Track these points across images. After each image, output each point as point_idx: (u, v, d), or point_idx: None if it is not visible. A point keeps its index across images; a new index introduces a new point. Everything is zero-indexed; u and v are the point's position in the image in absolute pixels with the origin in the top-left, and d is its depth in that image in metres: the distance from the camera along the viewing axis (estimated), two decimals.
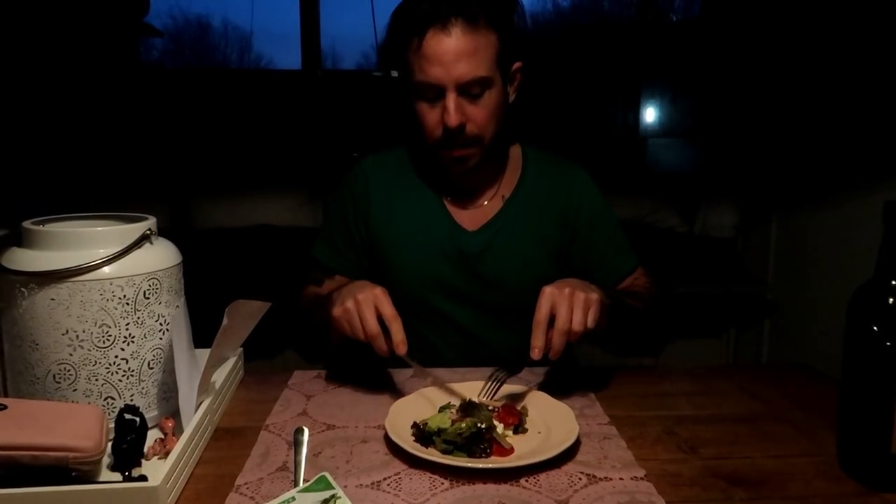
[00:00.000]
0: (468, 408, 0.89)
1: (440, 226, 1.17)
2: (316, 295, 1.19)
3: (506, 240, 1.17)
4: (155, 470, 0.72)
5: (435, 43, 1.02)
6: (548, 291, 0.90)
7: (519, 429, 0.86)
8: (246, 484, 0.75)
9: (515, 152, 1.23)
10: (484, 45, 1.04)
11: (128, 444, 0.77)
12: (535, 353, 0.88)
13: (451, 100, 1.04)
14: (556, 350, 0.88)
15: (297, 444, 0.82)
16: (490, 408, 0.90)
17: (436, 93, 1.05)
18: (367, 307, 0.93)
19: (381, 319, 0.92)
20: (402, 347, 0.92)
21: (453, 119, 1.04)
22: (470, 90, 1.05)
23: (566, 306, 0.88)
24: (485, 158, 1.12)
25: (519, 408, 0.89)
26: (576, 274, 1.14)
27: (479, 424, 0.82)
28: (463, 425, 0.82)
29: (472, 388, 0.95)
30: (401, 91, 1.12)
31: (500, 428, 0.85)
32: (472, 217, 1.18)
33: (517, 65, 1.12)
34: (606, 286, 0.98)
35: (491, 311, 1.18)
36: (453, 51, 1.02)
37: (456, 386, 0.96)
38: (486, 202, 1.19)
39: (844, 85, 1.99)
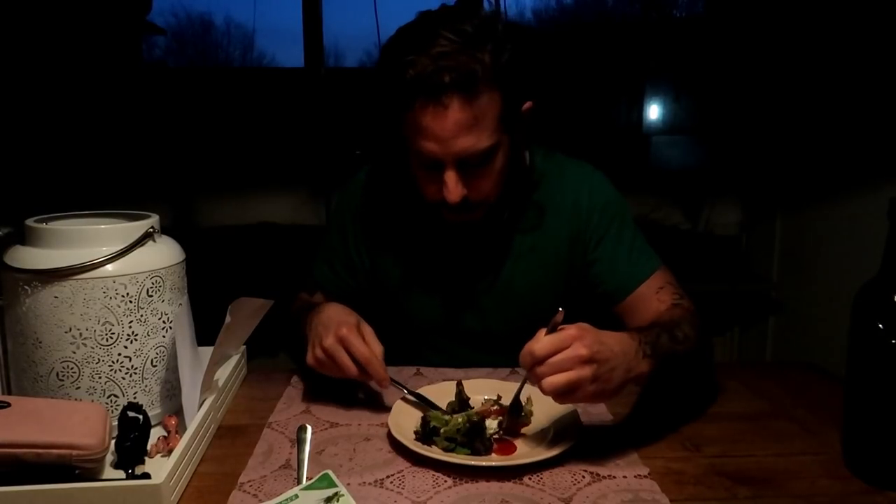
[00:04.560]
0: (461, 406, 0.90)
1: (446, 265, 1.11)
2: (305, 303, 1.15)
3: (514, 274, 1.10)
4: (158, 468, 0.72)
5: (428, 119, 0.90)
6: (581, 358, 0.74)
7: (518, 415, 0.86)
8: (249, 482, 0.75)
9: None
10: (486, 111, 0.91)
11: (131, 442, 0.77)
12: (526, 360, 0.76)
13: (451, 177, 0.93)
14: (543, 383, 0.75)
15: (300, 442, 0.82)
16: (492, 404, 0.91)
17: (433, 163, 0.94)
18: (337, 352, 0.88)
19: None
20: (384, 384, 0.90)
21: (453, 196, 0.94)
22: (471, 161, 0.93)
23: (586, 386, 0.75)
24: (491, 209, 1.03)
25: (523, 403, 0.89)
26: (591, 283, 1.10)
27: (473, 418, 0.82)
28: (459, 420, 0.81)
29: (474, 385, 0.95)
30: (394, 138, 1.00)
31: (494, 424, 0.85)
32: (478, 249, 1.10)
33: (527, 105, 0.99)
34: (647, 340, 0.83)
35: (497, 341, 1.13)
36: (451, 127, 0.89)
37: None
38: (491, 229, 1.08)
39: (849, 82, 1.98)
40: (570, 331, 0.75)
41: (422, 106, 0.89)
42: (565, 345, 0.74)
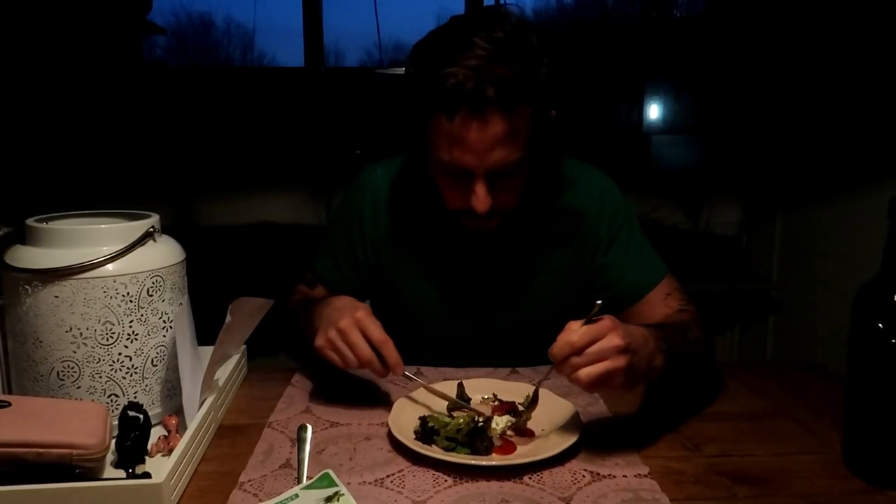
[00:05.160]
0: (459, 406, 0.90)
1: (459, 269, 1.11)
2: (305, 297, 1.15)
3: (522, 277, 1.10)
4: (159, 467, 0.72)
5: (469, 131, 0.89)
6: (618, 348, 0.75)
7: (518, 415, 0.86)
8: (249, 481, 0.75)
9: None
10: (521, 124, 0.91)
11: (131, 442, 0.77)
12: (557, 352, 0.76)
13: (481, 187, 0.93)
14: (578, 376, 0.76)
15: (300, 442, 0.82)
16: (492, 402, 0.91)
17: (462, 173, 0.94)
18: (352, 334, 0.87)
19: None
20: (399, 369, 0.89)
21: (482, 206, 0.94)
22: (502, 171, 0.94)
23: (619, 375, 0.76)
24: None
25: (522, 402, 0.89)
26: (599, 287, 1.10)
27: (476, 418, 0.82)
28: (461, 421, 0.82)
29: (474, 385, 0.95)
30: (415, 139, 0.99)
31: (500, 423, 0.85)
32: (493, 254, 1.10)
33: (552, 114, 0.99)
34: (661, 336, 0.85)
35: (499, 342, 1.13)
36: (489, 140, 0.90)
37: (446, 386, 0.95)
38: (511, 242, 1.09)
39: (849, 82, 1.98)
40: (606, 322, 0.76)
41: (463, 119, 0.89)
42: (602, 335, 0.75)
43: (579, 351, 0.75)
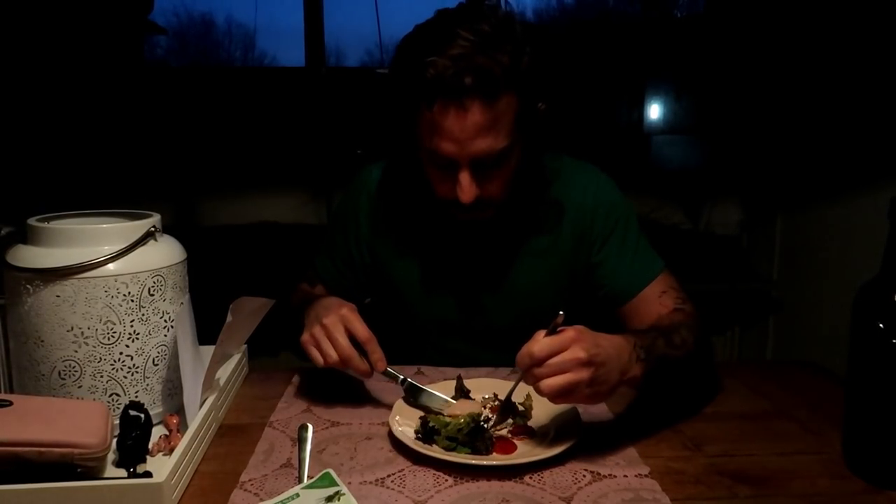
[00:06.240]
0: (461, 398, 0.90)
1: (453, 263, 1.12)
2: (306, 294, 1.16)
3: (519, 273, 1.11)
4: (160, 466, 0.72)
5: (447, 120, 0.90)
6: (580, 361, 0.74)
7: (517, 418, 0.86)
8: (250, 480, 0.76)
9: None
10: (504, 113, 0.91)
11: (133, 441, 0.77)
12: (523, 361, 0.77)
13: (465, 177, 0.94)
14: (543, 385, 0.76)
15: (301, 441, 0.83)
16: (486, 405, 0.91)
17: (447, 163, 0.94)
18: (335, 330, 0.88)
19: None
20: (381, 365, 0.89)
21: (467, 196, 0.94)
22: (486, 161, 0.94)
23: (583, 388, 0.75)
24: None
25: (522, 402, 0.89)
26: (594, 285, 1.10)
27: (478, 419, 0.82)
28: (462, 421, 0.82)
29: (474, 385, 0.95)
30: (405, 133, 1.00)
31: (493, 420, 0.85)
32: (486, 248, 1.11)
33: (541, 107, 0.99)
34: (641, 344, 0.84)
35: (499, 339, 1.12)
36: (470, 129, 0.90)
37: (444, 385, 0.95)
38: (499, 231, 1.09)
39: (850, 82, 1.98)
40: (569, 333, 0.76)
41: (442, 107, 0.89)
42: (564, 347, 0.75)
43: (541, 362, 0.75)
